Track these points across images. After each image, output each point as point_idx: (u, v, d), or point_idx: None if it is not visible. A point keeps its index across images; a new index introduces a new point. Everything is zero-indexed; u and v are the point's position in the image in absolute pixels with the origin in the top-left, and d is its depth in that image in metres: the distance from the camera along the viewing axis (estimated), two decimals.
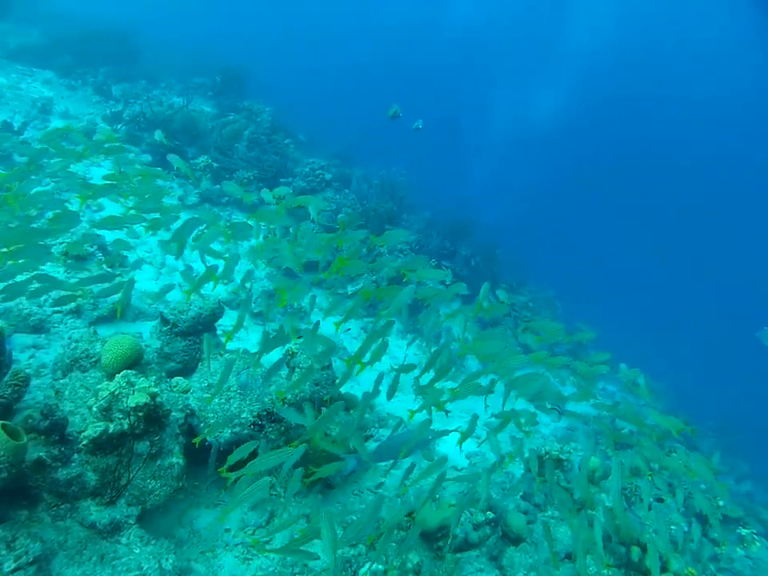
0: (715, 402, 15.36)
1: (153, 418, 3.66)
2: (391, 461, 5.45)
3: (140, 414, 3.56)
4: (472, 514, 5.66)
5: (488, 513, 5.64)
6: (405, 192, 12.43)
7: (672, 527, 6.48)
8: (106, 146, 6.12)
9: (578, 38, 36.06)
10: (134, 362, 4.33)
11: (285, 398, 4.41)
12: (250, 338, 8.30)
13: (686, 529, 7.14)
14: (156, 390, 3.64)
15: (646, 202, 35.76)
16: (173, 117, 12.93)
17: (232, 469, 3.54)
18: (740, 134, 41.23)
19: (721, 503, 8.30)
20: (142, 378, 3.73)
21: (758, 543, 7.87)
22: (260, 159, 12.35)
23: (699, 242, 33.40)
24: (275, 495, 4.77)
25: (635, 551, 4.84)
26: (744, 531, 8.05)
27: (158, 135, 7.99)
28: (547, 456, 6.72)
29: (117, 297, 7.32)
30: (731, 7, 33.78)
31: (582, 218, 30.21)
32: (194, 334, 5.92)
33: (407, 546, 4.02)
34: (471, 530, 5.45)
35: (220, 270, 4.79)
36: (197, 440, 3.83)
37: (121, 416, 3.55)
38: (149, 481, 3.65)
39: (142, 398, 3.53)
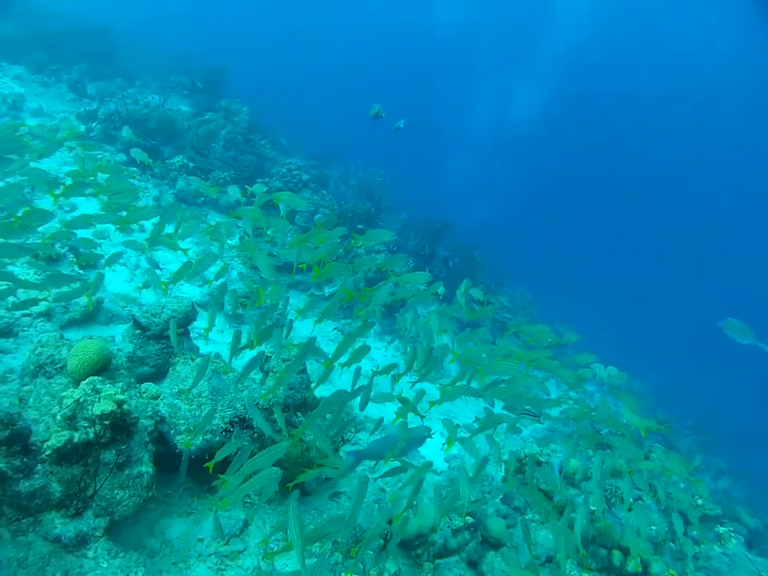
0: (693, 400, 15.49)
1: (120, 426, 3.53)
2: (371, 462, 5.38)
3: (106, 422, 3.43)
4: (451, 519, 5.58)
5: (467, 518, 5.56)
6: (383, 193, 12.34)
7: (652, 527, 6.46)
8: (76, 142, 5.99)
9: (565, 36, 36.16)
10: (102, 367, 4.20)
11: (258, 404, 4.30)
12: (226, 341, 8.17)
13: (665, 529, 7.14)
14: (123, 397, 3.50)
15: (623, 203, 36.08)
16: (149, 116, 12.74)
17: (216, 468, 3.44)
18: (722, 133, 41.79)
19: (699, 502, 8.34)
20: (108, 385, 3.59)
21: (734, 540, 7.91)
22: (236, 159, 12.21)
23: (676, 242, 33.73)
24: (248, 503, 4.66)
25: (617, 555, 4.78)
26: (722, 529, 8.09)
27: (126, 132, 7.83)
28: (527, 459, 6.66)
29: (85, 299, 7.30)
30: (727, 5, 34.08)
31: (560, 219, 30.40)
32: (166, 338, 5.80)
33: (386, 554, 3.93)
34: (450, 536, 5.37)
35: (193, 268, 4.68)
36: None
37: (86, 424, 3.41)
38: (117, 491, 3.52)
39: (107, 406, 3.40)
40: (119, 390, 3.58)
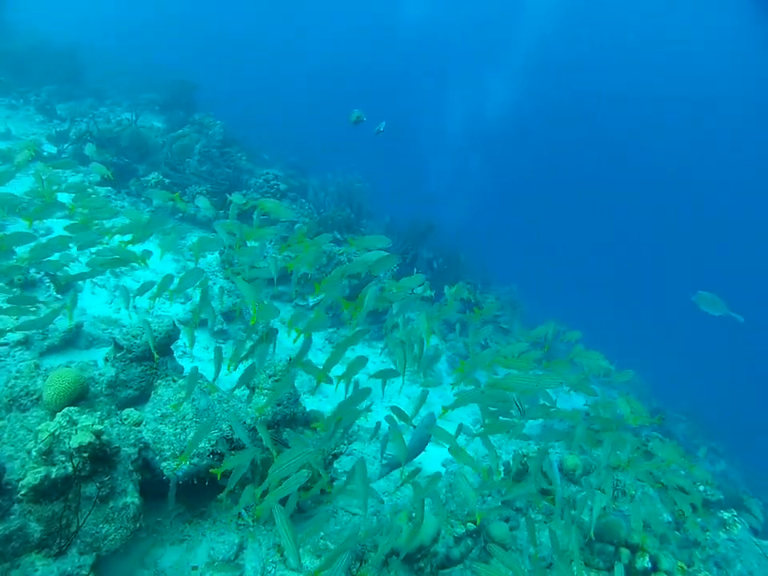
0: (686, 386, 15.51)
1: (100, 457, 3.36)
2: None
3: (85, 454, 3.26)
4: (453, 526, 5.45)
5: (468, 524, 5.43)
6: (363, 198, 12.23)
7: (662, 516, 6.38)
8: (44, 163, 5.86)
9: (546, 30, 36.16)
10: (79, 396, 4.02)
11: (244, 423, 4.14)
12: (211, 357, 8.01)
13: (669, 519, 7.05)
14: (101, 427, 3.34)
15: (605, 201, 36.22)
16: (120, 134, 12.54)
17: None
18: (711, 122, 42.17)
19: (701, 488, 8.27)
20: (85, 416, 3.42)
21: (738, 525, 7.84)
22: (212, 173, 12.05)
23: (660, 237, 33.91)
24: (242, 525, 4.50)
25: (624, 553, 4.66)
26: (726, 515, 8.01)
27: (89, 150, 7.64)
28: (526, 459, 6.54)
29: (67, 323, 7.11)
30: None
31: (541, 217, 30.46)
32: (149, 359, 5.64)
33: (388, 571, 3.80)
34: (453, 545, 5.23)
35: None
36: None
37: (64, 459, 3.24)
38: (102, 525, 3.35)
39: (85, 438, 3.23)
40: (97, 420, 3.41)
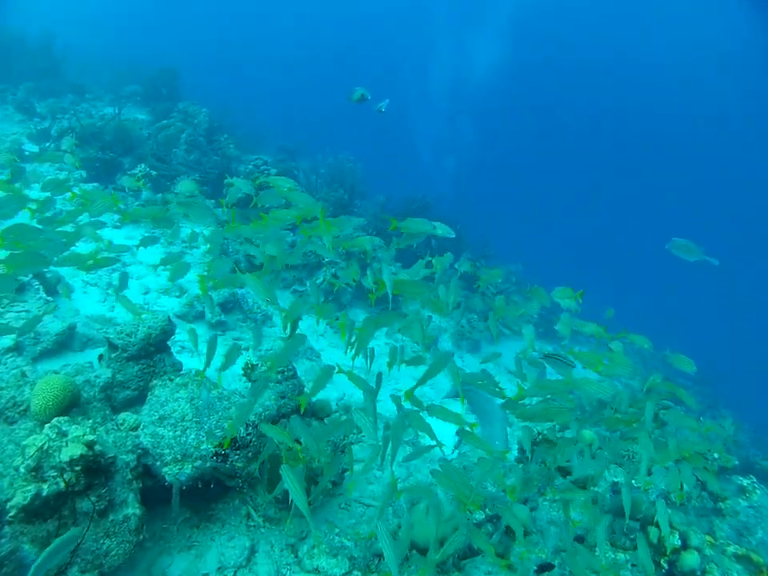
0: (692, 352, 15.32)
1: (94, 469, 3.14)
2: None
3: (77, 468, 3.04)
4: (471, 512, 5.25)
5: (486, 509, 5.23)
6: (355, 179, 11.93)
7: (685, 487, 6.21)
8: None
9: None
10: (70, 403, 3.78)
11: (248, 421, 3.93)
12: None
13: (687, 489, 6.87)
14: (93, 437, 3.11)
15: (601, 171, 35.97)
16: (104, 128, 12.21)
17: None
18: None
19: (716, 455, 8.10)
20: (75, 426, 3.20)
21: (758, 491, 7.68)
22: (200, 162, 11.74)
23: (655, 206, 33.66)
24: (253, 526, 4.29)
25: (653, 531, 4.47)
26: (745, 482, 7.84)
27: (67, 143, 7.39)
28: (540, 437, 6.33)
29: (57, 327, 6.88)
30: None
31: (538, 188, 30.19)
32: (146, 357, 5.43)
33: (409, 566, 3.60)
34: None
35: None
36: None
37: (55, 474, 3.02)
38: (102, 540, 3.14)
39: (76, 450, 3.01)
40: (88, 430, 3.18)
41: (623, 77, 45.53)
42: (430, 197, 12.32)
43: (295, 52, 35.79)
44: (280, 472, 3.16)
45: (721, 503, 7.01)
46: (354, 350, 4.01)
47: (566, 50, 44.61)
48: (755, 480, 7.92)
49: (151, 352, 5.47)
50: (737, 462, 8.34)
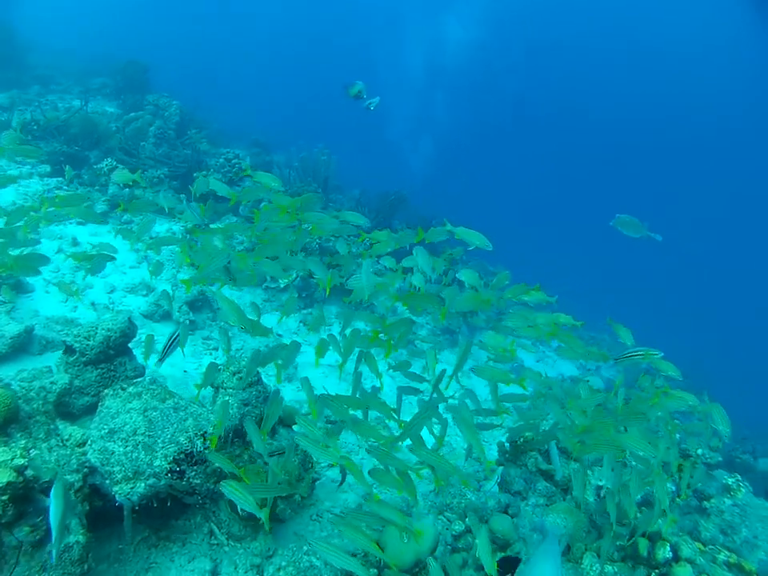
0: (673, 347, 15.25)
1: (26, 497, 2.84)
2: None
3: (4, 497, 2.73)
4: (451, 522, 5.00)
5: (467, 519, 4.99)
6: (329, 171, 11.62)
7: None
8: None
9: None
10: (8, 419, 3.44)
11: (205, 433, 3.63)
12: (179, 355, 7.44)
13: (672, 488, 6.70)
14: (22, 461, 2.80)
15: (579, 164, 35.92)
16: (69, 121, 11.79)
17: None
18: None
19: (699, 452, 7.97)
20: (2, 448, 2.89)
21: (743, 489, 7.54)
22: (170, 155, 11.37)
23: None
24: (216, 544, 4.00)
25: (643, 543, 4.24)
26: (730, 480, 7.70)
27: (5, 139, 7.00)
28: (522, 440, 6.09)
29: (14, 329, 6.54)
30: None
31: (511, 180, 30.02)
32: (106, 361, 5.14)
33: None
34: (451, 542, 4.77)
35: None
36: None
37: None
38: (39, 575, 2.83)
39: (3, 477, 2.71)
40: (18, 452, 2.88)
41: (611, 67, 45.63)
42: (405, 189, 12.07)
43: (270, 43, 35.33)
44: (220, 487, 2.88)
45: (706, 502, 6.85)
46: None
47: (557, 48, 44.64)
48: (740, 478, 7.79)
49: (111, 356, 5.19)
50: (720, 459, 8.22)
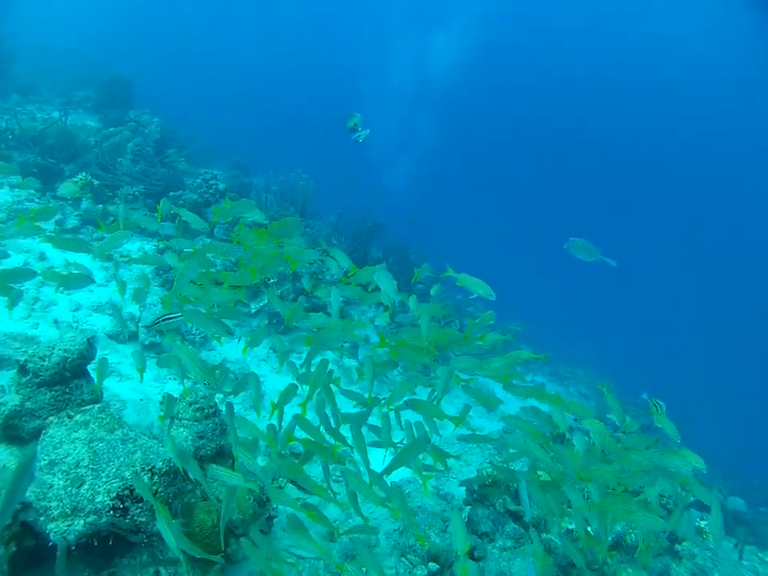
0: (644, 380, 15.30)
1: None
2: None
3: None
4: (414, 566, 4.81)
5: (430, 564, 4.80)
6: (308, 197, 11.53)
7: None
8: None
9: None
10: None
11: (153, 468, 3.42)
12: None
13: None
14: None
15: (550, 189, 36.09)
16: (45, 132, 11.61)
17: None
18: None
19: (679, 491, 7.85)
20: None
21: None
22: (147, 173, 11.21)
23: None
24: None
25: None
26: (703, 523, 7.59)
27: None
28: (490, 479, 5.92)
29: None
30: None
31: (491, 209, 30.12)
32: (61, 383, 4.93)
33: None
34: None
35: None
36: None
37: None
38: None
39: None
40: None
41: (603, 87, 46.14)
42: (382, 216, 12.03)
43: (257, 63, 35.42)
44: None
45: (678, 545, 6.71)
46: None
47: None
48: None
49: (67, 378, 4.98)
50: (692, 499, 8.10)
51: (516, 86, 43.34)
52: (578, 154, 40.46)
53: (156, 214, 5.56)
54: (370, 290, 4.78)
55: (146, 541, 3.56)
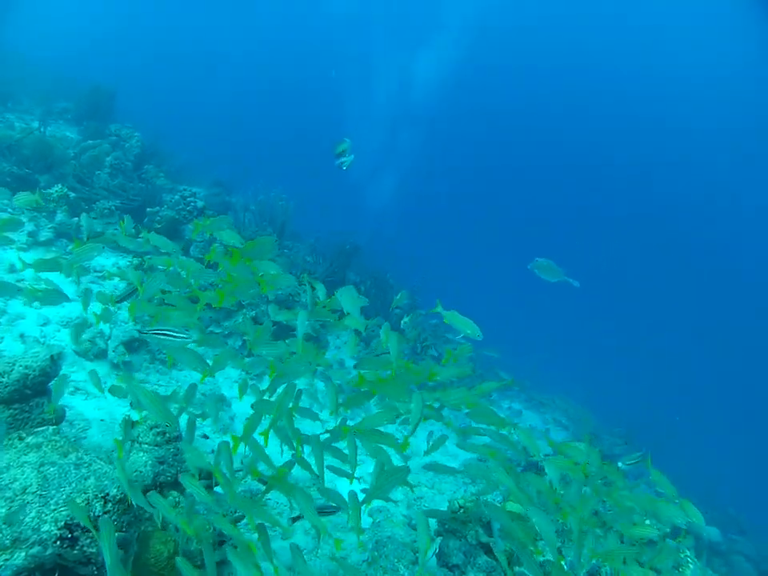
0: (620, 407, 15.28)
1: None
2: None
3: None
4: None
5: None
6: (287, 217, 11.42)
7: None
8: None
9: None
10: None
11: (107, 494, 3.26)
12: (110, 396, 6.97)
13: None
14: None
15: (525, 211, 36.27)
16: (22, 141, 11.42)
17: None
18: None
19: (647, 522, 7.78)
20: None
21: (691, 566, 7.37)
22: (124, 188, 11.05)
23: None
24: None
25: None
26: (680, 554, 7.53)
27: None
28: (462, 511, 5.79)
29: None
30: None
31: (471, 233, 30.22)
32: (20, 401, 4.76)
33: None
34: None
35: None
36: None
37: None
38: None
39: None
40: None
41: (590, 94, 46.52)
42: (360, 240, 11.97)
43: (241, 80, 35.46)
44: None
45: None
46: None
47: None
48: (688, 553, 7.62)
49: (28, 395, 4.81)
50: (668, 530, 8.03)
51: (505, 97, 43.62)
52: (563, 168, 40.84)
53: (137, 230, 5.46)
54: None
55: (96, 573, 3.36)
